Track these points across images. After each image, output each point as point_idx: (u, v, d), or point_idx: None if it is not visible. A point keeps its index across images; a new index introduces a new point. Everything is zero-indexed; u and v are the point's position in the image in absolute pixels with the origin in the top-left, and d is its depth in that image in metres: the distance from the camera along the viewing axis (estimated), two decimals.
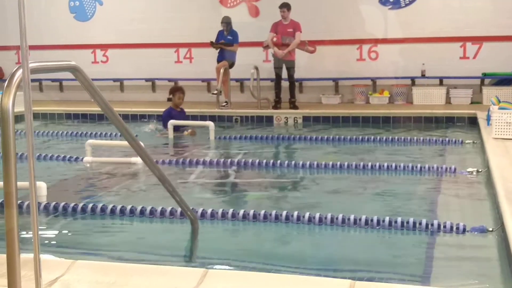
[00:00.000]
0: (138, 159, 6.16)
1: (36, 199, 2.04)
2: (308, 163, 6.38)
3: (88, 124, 10.51)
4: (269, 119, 10.63)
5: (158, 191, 4.69)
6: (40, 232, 2.20)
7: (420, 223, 4.05)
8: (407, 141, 8.06)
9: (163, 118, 8.94)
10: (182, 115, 9.02)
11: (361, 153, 7.47)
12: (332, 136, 8.37)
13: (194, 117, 9.67)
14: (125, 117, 10.33)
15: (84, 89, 2.84)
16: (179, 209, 4.17)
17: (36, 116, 10.12)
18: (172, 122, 8.65)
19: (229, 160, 6.65)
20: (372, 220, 4.12)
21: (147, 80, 13.11)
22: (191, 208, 4.02)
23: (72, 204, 4.62)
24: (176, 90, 9.13)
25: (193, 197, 4.96)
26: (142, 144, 3.47)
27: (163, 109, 9.40)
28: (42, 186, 4.96)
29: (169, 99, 9.10)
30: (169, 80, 12.88)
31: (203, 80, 12.69)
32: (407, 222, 4.07)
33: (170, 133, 8.59)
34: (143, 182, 5.99)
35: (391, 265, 3.46)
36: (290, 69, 10.86)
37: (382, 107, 11.02)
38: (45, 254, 3.18)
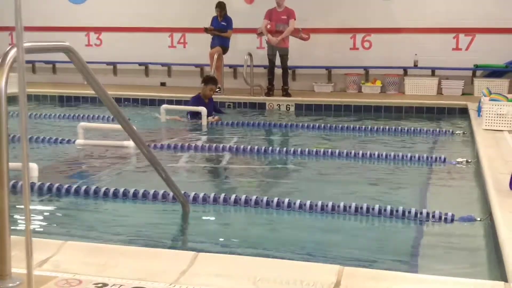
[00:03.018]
0: (130, 143, 6.14)
1: (28, 180, 2.02)
2: (300, 150, 6.40)
3: (81, 107, 10.49)
4: (261, 106, 10.63)
5: (150, 175, 4.66)
6: (31, 214, 2.20)
7: (409, 212, 4.06)
8: (398, 130, 8.08)
9: (191, 103, 8.89)
10: (210, 106, 8.89)
11: (352, 142, 7.51)
12: (324, 124, 8.39)
13: (186, 103, 9.59)
14: (118, 100, 10.19)
15: (78, 70, 2.82)
16: (171, 193, 4.17)
17: (28, 98, 9.98)
18: (164, 107, 8.74)
19: (221, 146, 6.66)
20: (361, 208, 4.13)
21: (140, 64, 13.02)
22: (182, 192, 4.02)
23: (65, 186, 4.62)
24: (210, 80, 8.98)
25: (185, 182, 4.98)
26: (134, 127, 3.42)
27: (156, 94, 9.31)
28: (33, 167, 4.93)
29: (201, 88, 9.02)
30: (162, 64, 12.85)
31: (196, 66, 12.65)
32: (397, 211, 4.08)
33: (162, 118, 8.66)
34: (135, 165, 5.99)
35: (380, 252, 3.48)
36: (284, 56, 10.84)
37: (374, 96, 11.04)
38: (36, 235, 3.17)
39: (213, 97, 9.11)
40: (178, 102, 10.26)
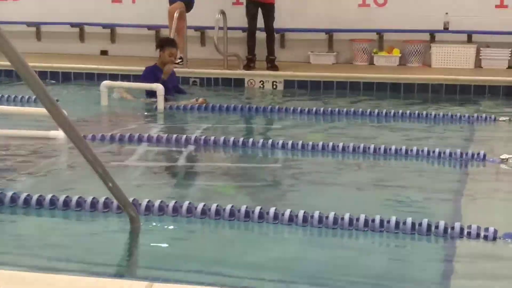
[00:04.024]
0: (59, 133, 6.24)
1: None
2: (289, 143, 6.47)
3: None
4: (239, 83, 10.83)
5: (87, 177, 4.62)
6: None
7: (436, 226, 4.11)
8: (422, 117, 8.21)
9: (142, 79, 8.98)
10: (172, 79, 9.10)
11: (360, 132, 7.64)
12: (322, 108, 8.49)
13: (136, 77, 9.73)
14: (43, 75, 10.41)
15: None
16: (115, 201, 4.21)
17: None
18: (106, 84, 8.76)
19: (183, 137, 6.68)
20: (373, 221, 4.16)
21: (73, 25, 12.99)
22: (131, 200, 4.05)
23: None
24: (167, 43, 9.22)
25: (134, 186, 5.08)
26: (65, 112, 3.41)
27: (95, 66, 9.31)
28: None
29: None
30: (103, 26, 12.88)
31: (149, 28, 12.79)
32: (420, 224, 4.13)
33: (104, 99, 8.69)
34: (66, 164, 6.05)
35: (397, 280, 3.55)
36: (269, 16, 11.01)
37: (391, 70, 11.20)
38: None
39: (176, 70, 9.31)
40: (125, 77, 10.36)
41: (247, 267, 3.66)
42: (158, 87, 8.45)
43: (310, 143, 6.45)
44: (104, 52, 13.24)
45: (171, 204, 4.38)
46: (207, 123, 7.93)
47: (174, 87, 9.20)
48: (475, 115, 8.20)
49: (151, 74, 8.92)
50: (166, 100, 8.58)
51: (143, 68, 9.27)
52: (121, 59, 12.25)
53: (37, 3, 13.20)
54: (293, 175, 5.81)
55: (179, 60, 10.72)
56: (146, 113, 8.51)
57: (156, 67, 9.04)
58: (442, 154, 6.15)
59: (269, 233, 4.20)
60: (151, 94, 8.64)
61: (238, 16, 11.72)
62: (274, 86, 10.77)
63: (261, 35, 11.30)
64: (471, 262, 3.84)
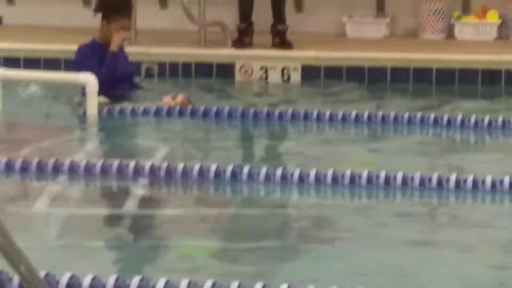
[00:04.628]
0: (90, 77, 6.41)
1: None
2: (311, 173, 5.19)
3: None
4: (224, 71, 8.79)
5: None
6: None
7: None
8: None
9: (77, 65, 7.32)
10: (123, 62, 7.49)
11: (433, 152, 6.30)
12: (367, 113, 6.90)
13: (53, 64, 8.15)
14: None
15: None
16: (15, 278, 3.46)
17: None
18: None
19: (131, 165, 5.44)
20: None
21: None
22: (42, 274, 3.27)
23: None
24: (118, 8, 7.37)
25: (47, 251, 4.21)
26: None
27: None
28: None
29: None
30: None
31: None
32: None
33: None
34: None
35: None
36: None
37: (483, 47, 9.18)
38: None
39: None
40: (34, 62, 8.43)
41: None
42: (89, 79, 6.84)
43: (348, 173, 5.14)
44: None
45: (111, 280, 3.54)
46: (172, 140, 6.63)
47: (126, 77, 7.55)
48: None
49: (91, 57, 7.21)
50: (114, 99, 7.16)
51: (63, 48, 8.24)
52: (25, 30, 10.31)
53: None
54: (317, 230, 4.68)
55: None
56: (68, 124, 7.19)
57: (96, 45, 7.34)
58: None
59: None
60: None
61: None
62: (286, 77, 8.47)
63: None
64: None
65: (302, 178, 5.21)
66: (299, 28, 9.54)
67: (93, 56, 7.32)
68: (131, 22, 7.70)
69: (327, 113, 6.96)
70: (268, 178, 5.25)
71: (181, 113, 7.04)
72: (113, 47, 7.27)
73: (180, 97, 7.20)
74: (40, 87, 7.71)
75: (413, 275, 4.05)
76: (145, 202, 5.29)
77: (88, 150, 6.57)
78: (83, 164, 5.56)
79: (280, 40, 8.96)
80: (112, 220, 5.01)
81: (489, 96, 8.21)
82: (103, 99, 7.38)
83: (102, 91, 7.14)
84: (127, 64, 7.73)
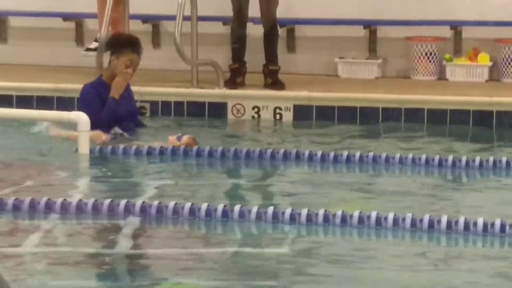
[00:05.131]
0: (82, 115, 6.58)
1: None
2: (303, 213, 5.16)
3: None
4: (216, 111, 8.75)
5: None
6: None
7: None
8: None
9: (83, 106, 7.33)
10: (127, 101, 7.57)
11: (424, 193, 6.21)
12: (359, 154, 6.83)
13: (41, 102, 8.19)
14: None
15: None
16: None
17: None
18: None
19: (121, 204, 5.32)
20: None
21: None
22: None
23: None
24: (127, 43, 7.46)
25: (36, 285, 4.11)
26: None
27: None
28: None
29: None
30: None
31: (66, 17, 10.59)
32: None
33: None
34: None
35: None
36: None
37: (474, 88, 9.20)
38: None
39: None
40: (26, 100, 8.44)
41: None
42: (81, 118, 6.79)
43: (339, 213, 5.09)
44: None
45: None
46: (161, 182, 6.50)
47: (130, 115, 7.54)
48: None
49: (93, 99, 7.24)
50: (116, 136, 7.10)
51: (54, 86, 8.25)
52: (17, 68, 10.24)
53: None
54: (310, 268, 4.59)
55: None
56: (59, 162, 7.00)
57: (100, 84, 7.38)
58: None
59: None
60: (96, 125, 7.17)
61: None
62: (278, 116, 8.53)
63: (255, 30, 9.39)
64: None
65: (293, 217, 5.18)
66: (291, 68, 9.77)
67: (95, 98, 7.31)
68: (139, 59, 7.53)
69: (319, 153, 6.97)
70: (259, 217, 5.21)
71: (186, 152, 6.96)
72: (114, 92, 7.29)
73: (185, 138, 7.20)
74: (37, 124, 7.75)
75: None
76: (135, 241, 5.20)
77: (80, 187, 6.49)
78: (73, 202, 5.45)
79: (273, 80, 9.07)
80: (102, 260, 4.88)
81: (480, 137, 8.20)
82: (100, 134, 7.26)
83: (104, 129, 7.18)
84: (131, 102, 7.76)
